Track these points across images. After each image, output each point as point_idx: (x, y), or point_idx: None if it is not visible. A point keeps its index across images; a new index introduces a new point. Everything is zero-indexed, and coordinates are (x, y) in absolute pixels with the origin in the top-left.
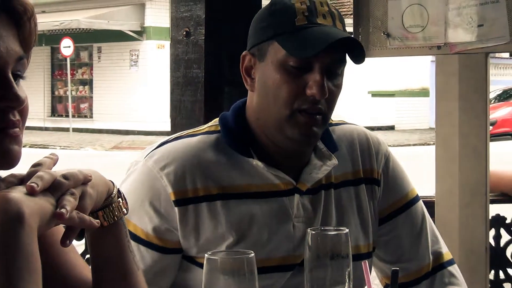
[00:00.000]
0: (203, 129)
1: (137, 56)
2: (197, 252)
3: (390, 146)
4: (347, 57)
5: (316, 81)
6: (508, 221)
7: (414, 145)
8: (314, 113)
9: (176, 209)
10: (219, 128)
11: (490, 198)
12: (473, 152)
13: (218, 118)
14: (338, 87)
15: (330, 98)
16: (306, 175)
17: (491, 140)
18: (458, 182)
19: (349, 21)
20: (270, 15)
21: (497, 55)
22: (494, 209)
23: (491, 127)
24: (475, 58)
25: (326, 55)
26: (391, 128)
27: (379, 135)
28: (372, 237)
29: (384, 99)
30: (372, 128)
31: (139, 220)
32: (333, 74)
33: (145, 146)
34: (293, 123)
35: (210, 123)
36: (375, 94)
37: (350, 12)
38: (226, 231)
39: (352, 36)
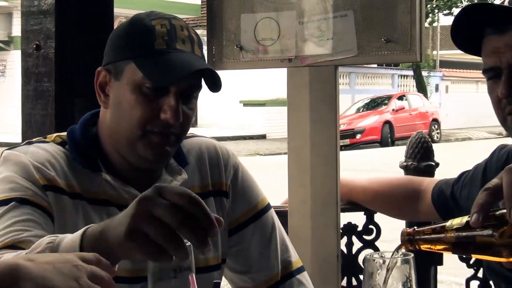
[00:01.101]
0: (51, 138)
1: (5, 66)
2: None
3: (261, 155)
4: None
5: (171, 106)
6: (359, 228)
7: (285, 153)
8: (167, 134)
9: (46, 192)
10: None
11: (342, 206)
12: (324, 162)
13: (66, 132)
14: (193, 110)
15: (184, 121)
16: None
17: (360, 148)
18: (310, 192)
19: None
20: (129, 35)
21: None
22: (346, 218)
23: (359, 135)
24: (325, 70)
25: (183, 81)
26: (263, 137)
27: (251, 144)
28: (221, 249)
29: (256, 109)
30: (244, 137)
31: (13, 190)
32: (189, 98)
33: None
34: (146, 143)
35: (58, 134)
36: (246, 104)
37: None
38: None
39: (211, 67)
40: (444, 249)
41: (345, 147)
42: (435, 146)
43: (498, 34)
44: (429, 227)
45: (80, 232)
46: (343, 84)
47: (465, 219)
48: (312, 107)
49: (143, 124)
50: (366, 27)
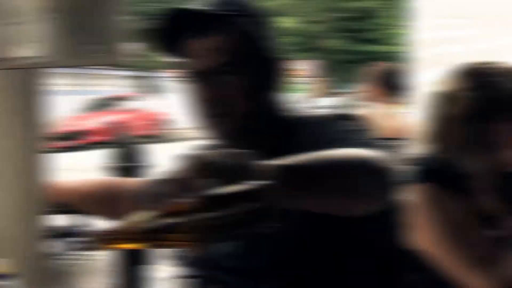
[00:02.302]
0: None
1: None
2: None
3: None
4: None
5: None
6: (68, 230)
7: None
8: None
9: None
10: None
11: (51, 209)
12: (28, 166)
13: None
14: None
15: None
16: None
17: (88, 149)
18: (13, 196)
19: None
20: None
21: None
22: (56, 220)
23: (86, 137)
24: (26, 74)
25: None
26: None
27: None
28: None
29: None
30: None
31: None
32: None
33: None
34: None
35: None
36: None
37: None
38: None
39: None
40: (137, 245)
41: (73, 149)
42: (163, 146)
43: (199, 37)
44: (114, 227)
45: None
46: (70, 85)
47: (146, 213)
48: (11, 111)
49: None
50: (70, 30)
